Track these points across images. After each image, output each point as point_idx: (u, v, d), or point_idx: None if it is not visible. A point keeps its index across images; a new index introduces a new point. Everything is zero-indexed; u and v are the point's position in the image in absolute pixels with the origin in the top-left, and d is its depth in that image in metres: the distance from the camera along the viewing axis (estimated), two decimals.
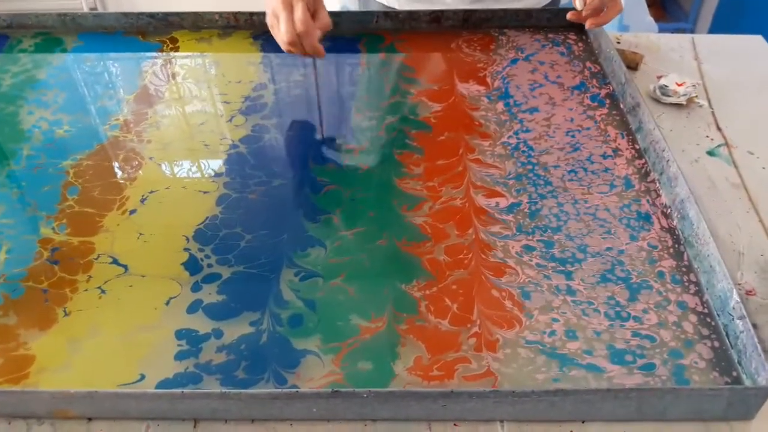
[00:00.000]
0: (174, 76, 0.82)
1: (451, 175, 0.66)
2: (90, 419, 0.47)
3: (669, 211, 0.61)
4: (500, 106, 0.75)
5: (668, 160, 0.63)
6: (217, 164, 0.69)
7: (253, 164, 0.68)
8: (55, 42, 0.88)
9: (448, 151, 0.69)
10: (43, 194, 0.65)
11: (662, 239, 0.59)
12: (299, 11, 0.67)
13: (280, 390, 0.45)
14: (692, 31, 1.75)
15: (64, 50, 0.87)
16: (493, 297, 0.54)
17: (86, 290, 0.56)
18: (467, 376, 0.49)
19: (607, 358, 0.50)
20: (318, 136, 0.73)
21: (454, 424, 0.47)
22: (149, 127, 0.74)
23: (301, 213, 0.62)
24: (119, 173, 0.68)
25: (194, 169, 0.69)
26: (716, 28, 1.66)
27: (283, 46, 0.70)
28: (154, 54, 0.86)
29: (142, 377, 0.49)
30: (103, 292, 0.56)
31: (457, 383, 0.48)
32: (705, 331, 0.51)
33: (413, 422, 0.47)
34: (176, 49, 0.86)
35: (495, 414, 0.46)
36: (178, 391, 0.45)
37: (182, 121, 0.75)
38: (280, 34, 0.69)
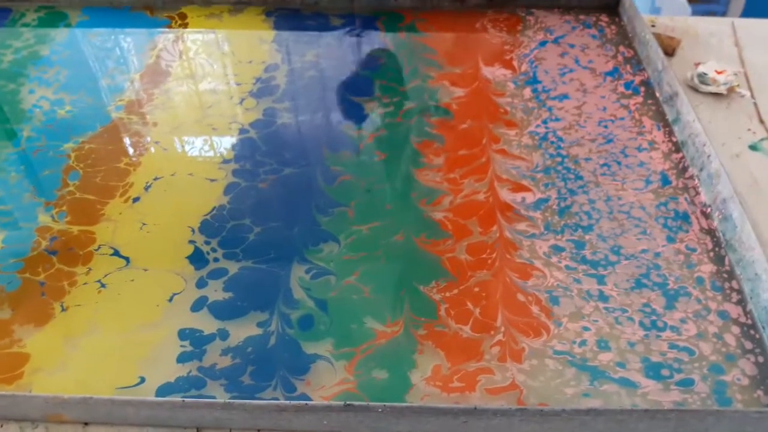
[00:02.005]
0: (184, 53, 0.78)
1: (474, 166, 0.62)
2: (86, 424, 0.44)
3: (709, 210, 0.57)
4: (527, 92, 0.70)
5: (709, 155, 0.58)
6: (225, 150, 0.65)
7: (263, 151, 0.65)
8: (59, 16, 0.84)
9: (471, 140, 0.65)
10: (43, 179, 0.62)
11: (702, 241, 0.55)
12: None
13: (288, 402, 0.42)
14: (724, 14, 1.68)
15: (69, 25, 0.83)
16: (518, 301, 0.50)
17: (85, 284, 0.53)
18: (490, 389, 0.45)
19: (641, 372, 0.46)
20: (332, 122, 0.69)
21: None
22: (155, 108, 0.70)
23: (313, 205, 0.59)
24: (123, 158, 0.64)
25: (202, 154, 0.65)
26: (750, 10, 1.59)
27: None
28: (162, 30, 0.82)
29: (142, 380, 0.46)
30: (102, 286, 0.52)
31: (479, 396, 0.45)
32: (749, 345, 0.47)
33: None
34: (185, 26, 0.82)
35: None
36: (179, 399, 0.42)
37: (190, 104, 0.71)
38: None
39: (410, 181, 0.61)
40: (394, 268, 0.53)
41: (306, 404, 0.42)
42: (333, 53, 0.77)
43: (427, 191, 0.60)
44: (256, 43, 0.79)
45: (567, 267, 0.53)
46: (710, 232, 0.55)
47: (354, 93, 0.71)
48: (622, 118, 0.67)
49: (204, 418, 0.43)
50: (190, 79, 0.75)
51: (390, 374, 0.46)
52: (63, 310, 0.51)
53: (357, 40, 0.79)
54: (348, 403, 0.41)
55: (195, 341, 0.48)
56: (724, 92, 0.71)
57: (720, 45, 0.79)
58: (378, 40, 0.79)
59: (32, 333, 0.49)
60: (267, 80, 0.73)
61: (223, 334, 0.49)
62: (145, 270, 0.54)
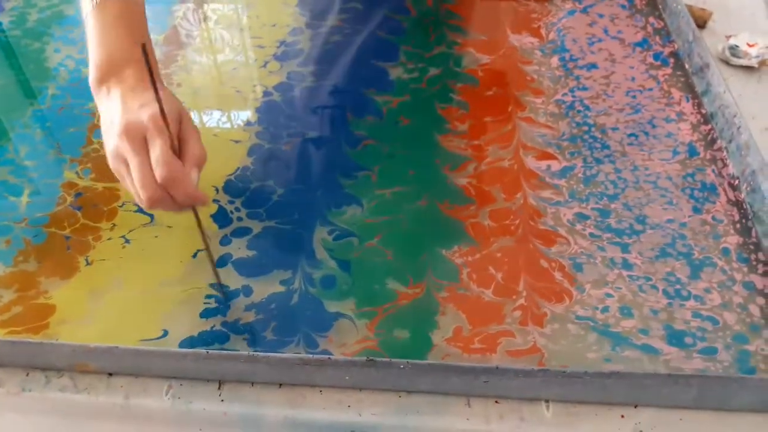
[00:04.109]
0: (206, 18, 0.78)
1: (499, 134, 0.61)
2: (110, 374, 0.45)
3: (737, 182, 0.56)
4: (555, 60, 0.69)
5: (739, 127, 0.57)
6: (249, 112, 0.65)
7: (287, 114, 0.64)
8: None
9: (497, 107, 0.64)
10: (68, 136, 0.62)
11: (728, 213, 0.54)
12: (159, 149, 0.41)
13: (311, 356, 0.42)
14: None
15: None
16: (541, 268, 0.50)
17: (109, 239, 0.53)
18: (511, 351, 0.45)
19: (664, 339, 0.46)
20: (356, 86, 0.68)
21: (496, 401, 0.43)
22: (179, 69, 0.70)
23: (336, 168, 0.58)
24: None
25: (225, 116, 0.65)
26: None
27: (143, 204, 0.43)
28: None
29: (165, 333, 0.47)
30: (127, 241, 0.53)
31: (499, 358, 0.45)
32: None
33: (451, 396, 0.44)
34: None
35: (541, 393, 0.43)
36: (203, 351, 0.43)
37: (213, 65, 0.71)
38: (135, 188, 0.43)
39: (434, 147, 0.60)
40: (417, 232, 0.53)
41: (329, 359, 0.42)
42: (357, 18, 0.76)
43: (452, 157, 0.59)
44: (280, 5, 0.79)
45: (591, 235, 0.52)
46: (737, 203, 0.55)
47: (379, 58, 0.71)
48: (651, 89, 0.65)
49: (227, 371, 0.44)
50: (214, 41, 0.74)
51: (411, 334, 0.46)
52: (88, 264, 0.51)
53: (382, 6, 0.78)
54: (370, 358, 0.41)
55: (219, 297, 0.49)
56: (756, 65, 0.69)
57: (753, 18, 0.77)
58: (403, 5, 0.78)
59: (58, 285, 0.50)
60: (291, 44, 0.73)
61: (247, 291, 0.49)
62: (169, 227, 0.54)
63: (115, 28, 0.46)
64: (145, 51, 0.38)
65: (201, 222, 0.46)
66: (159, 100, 0.40)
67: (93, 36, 0.46)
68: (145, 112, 0.42)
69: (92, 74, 0.45)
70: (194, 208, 0.45)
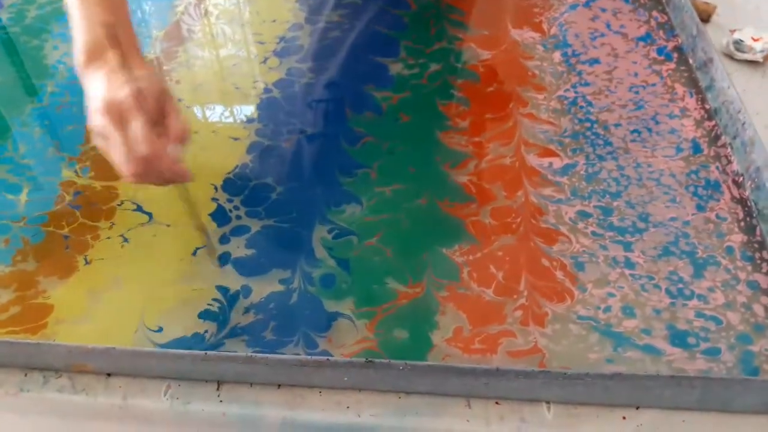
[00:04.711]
0: (207, 14, 0.77)
1: (501, 130, 0.61)
2: (109, 375, 0.45)
3: (741, 179, 0.55)
4: (557, 55, 0.69)
5: (743, 123, 0.56)
6: (249, 109, 0.64)
7: (287, 110, 0.64)
8: None
9: (498, 103, 0.63)
10: (67, 134, 0.62)
11: (732, 211, 0.53)
12: (138, 126, 0.43)
13: (310, 357, 0.42)
14: None
15: None
16: (542, 266, 0.49)
17: (108, 238, 0.53)
18: (512, 352, 0.45)
19: (666, 340, 0.45)
20: (356, 82, 0.68)
21: (496, 402, 0.43)
22: (179, 66, 0.70)
23: (336, 166, 0.58)
24: None
25: (225, 113, 0.64)
26: None
27: (126, 178, 0.45)
28: None
29: (160, 330, 0.46)
30: (125, 240, 0.53)
31: (500, 359, 0.44)
32: None
33: (451, 397, 0.43)
34: None
35: (542, 395, 0.42)
36: (201, 352, 0.42)
37: (214, 62, 0.71)
38: (116, 163, 0.45)
39: (434, 144, 0.60)
40: (417, 231, 0.53)
41: (327, 360, 0.42)
42: (357, 13, 0.76)
43: (452, 154, 0.59)
44: (280, 2, 0.78)
45: (593, 233, 0.52)
46: (741, 201, 0.54)
47: (378, 54, 0.70)
48: (654, 84, 0.65)
49: (226, 372, 0.43)
50: (213, 37, 0.74)
51: (411, 334, 0.46)
52: (86, 263, 0.51)
53: (382, 0, 0.78)
54: (369, 360, 0.41)
55: (218, 298, 0.48)
56: (761, 60, 0.68)
57: (757, 11, 0.76)
58: (403, 0, 0.78)
59: (56, 285, 0.50)
60: (291, 40, 0.72)
61: (246, 290, 0.49)
62: (168, 226, 0.54)
63: (96, 12, 0.47)
64: (112, 32, 0.40)
65: (189, 193, 0.47)
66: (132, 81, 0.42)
67: (76, 20, 0.47)
68: (124, 90, 0.43)
69: (77, 58, 0.46)
70: (178, 185, 0.47)
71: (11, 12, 0.78)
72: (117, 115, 0.43)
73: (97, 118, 0.44)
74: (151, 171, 0.44)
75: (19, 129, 0.63)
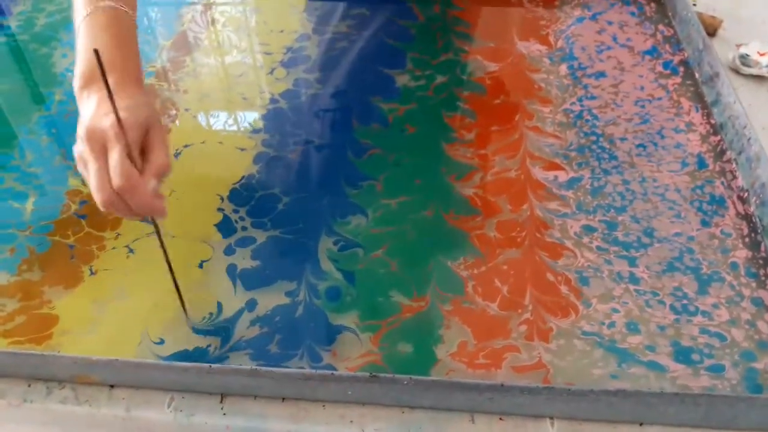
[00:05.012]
0: (214, 22, 0.77)
1: (506, 143, 0.61)
2: (112, 386, 0.45)
3: (746, 195, 0.55)
4: (563, 68, 0.69)
5: (749, 138, 0.56)
6: (255, 119, 0.65)
7: (293, 121, 0.64)
8: None
9: (504, 116, 0.63)
10: (73, 142, 0.62)
11: (737, 227, 0.53)
12: (115, 158, 0.42)
13: (314, 371, 0.42)
14: None
15: None
16: (547, 281, 0.49)
17: (114, 248, 0.53)
18: (516, 367, 0.45)
19: (671, 356, 0.45)
20: (362, 94, 0.68)
21: (500, 418, 0.43)
22: (186, 75, 0.70)
23: (342, 177, 0.58)
24: None
25: (231, 123, 0.65)
26: None
27: (100, 206, 0.44)
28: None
29: (162, 342, 0.46)
30: (131, 251, 0.53)
31: (505, 374, 0.44)
32: None
33: (455, 412, 0.43)
34: None
35: (546, 410, 0.42)
36: (206, 365, 0.42)
37: (221, 71, 0.71)
38: (92, 191, 0.44)
39: (440, 156, 0.60)
40: (422, 243, 0.53)
41: (332, 374, 0.42)
42: (365, 24, 0.76)
43: (458, 166, 0.59)
44: (287, 11, 0.78)
45: (598, 248, 0.52)
46: (746, 217, 0.54)
47: (385, 65, 0.70)
48: (660, 99, 0.65)
49: (230, 385, 0.43)
50: (220, 47, 0.74)
51: (415, 348, 0.46)
52: (92, 273, 0.51)
53: (389, 11, 0.78)
54: (374, 374, 0.41)
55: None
56: (766, 75, 0.68)
57: (764, 26, 0.77)
58: (411, 12, 0.78)
59: (61, 295, 0.50)
60: (298, 50, 0.72)
61: (252, 304, 0.49)
62: (173, 237, 0.54)
63: (101, 37, 0.47)
64: (99, 58, 0.39)
65: (159, 231, 0.45)
66: (115, 110, 0.41)
67: (80, 45, 0.48)
68: (108, 119, 0.43)
69: (76, 81, 0.47)
70: (153, 219, 0.45)
71: (20, 20, 0.78)
72: (98, 143, 0.43)
73: (79, 144, 0.44)
74: (122, 203, 0.43)
75: (26, 137, 0.63)
